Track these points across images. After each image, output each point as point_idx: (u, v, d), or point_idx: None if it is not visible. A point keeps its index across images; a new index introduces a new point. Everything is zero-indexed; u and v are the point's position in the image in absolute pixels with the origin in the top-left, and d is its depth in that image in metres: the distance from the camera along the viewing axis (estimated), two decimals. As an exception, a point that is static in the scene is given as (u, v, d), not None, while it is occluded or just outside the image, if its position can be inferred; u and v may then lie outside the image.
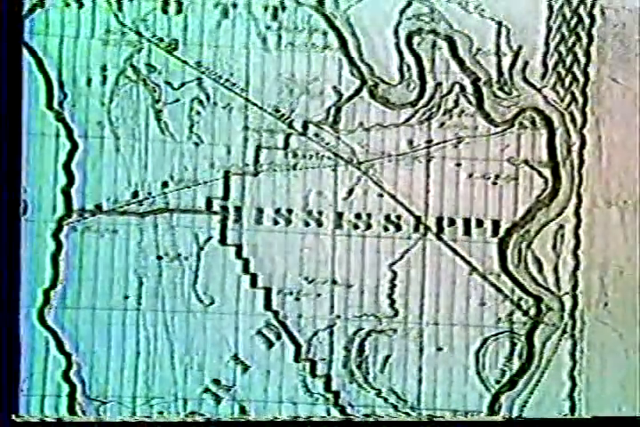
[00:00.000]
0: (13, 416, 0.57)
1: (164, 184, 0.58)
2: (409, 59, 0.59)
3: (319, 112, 0.59)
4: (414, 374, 0.58)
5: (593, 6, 0.59)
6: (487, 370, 0.59)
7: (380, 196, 0.59)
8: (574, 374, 0.59)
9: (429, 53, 0.59)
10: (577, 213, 0.59)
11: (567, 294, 0.59)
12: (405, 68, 0.59)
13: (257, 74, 0.59)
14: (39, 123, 0.58)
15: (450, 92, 0.59)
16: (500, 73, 0.59)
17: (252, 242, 0.58)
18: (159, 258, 0.58)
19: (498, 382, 0.59)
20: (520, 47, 0.59)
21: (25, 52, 0.58)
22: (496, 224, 0.59)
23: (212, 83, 0.59)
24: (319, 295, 0.59)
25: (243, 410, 0.58)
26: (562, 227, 0.59)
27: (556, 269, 0.59)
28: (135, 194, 0.58)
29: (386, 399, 0.58)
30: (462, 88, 0.59)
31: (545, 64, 0.59)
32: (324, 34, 0.59)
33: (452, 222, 0.59)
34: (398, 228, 0.59)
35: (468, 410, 0.59)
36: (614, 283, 0.59)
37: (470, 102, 0.59)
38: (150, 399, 0.58)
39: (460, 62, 0.59)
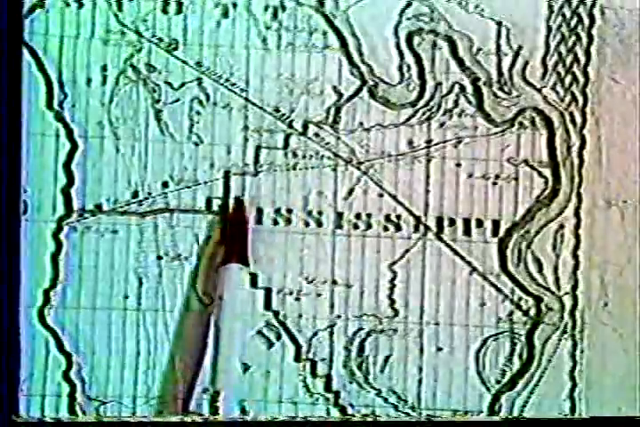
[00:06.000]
0: (13, 416, 0.57)
1: (164, 184, 0.58)
2: (409, 59, 0.59)
3: (319, 112, 0.59)
4: (414, 374, 0.58)
5: (593, 6, 0.59)
6: (487, 370, 0.59)
7: (380, 196, 0.59)
8: (574, 374, 0.59)
9: (429, 53, 0.59)
10: (577, 213, 0.59)
11: (567, 294, 0.59)
12: (405, 68, 0.59)
13: (257, 74, 0.59)
14: (39, 123, 0.58)
15: (450, 92, 0.59)
16: (500, 73, 0.59)
17: (252, 242, 0.58)
18: (159, 258, 0.58)
19: (498, 382, 0.59)
20: (520, 47, 0.59)
21: (25, 52, 0.58)
22: (496, 224, 0.59)
23: (212, 83, 0.59)
24: (319, 295, 0.59)
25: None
26: (562, 227, 0.59)
27: (555, 269, 0.59)
28: (135, 194, 0.58)
29: (386, 399, 0.58)
30: (462, 88, 0.59)
31: (545, 64, 0.59)
32: (324, 34, 0.59)
33: (452, 222, 0.59)
34: (398, 228, 0.59)
35: (467, 410, 0.59)
36: (614, 283, 0.59)
37: (470, 102, 0.59)
38: (150, 399, 0.58)
39: (460, 62, 0.59)
